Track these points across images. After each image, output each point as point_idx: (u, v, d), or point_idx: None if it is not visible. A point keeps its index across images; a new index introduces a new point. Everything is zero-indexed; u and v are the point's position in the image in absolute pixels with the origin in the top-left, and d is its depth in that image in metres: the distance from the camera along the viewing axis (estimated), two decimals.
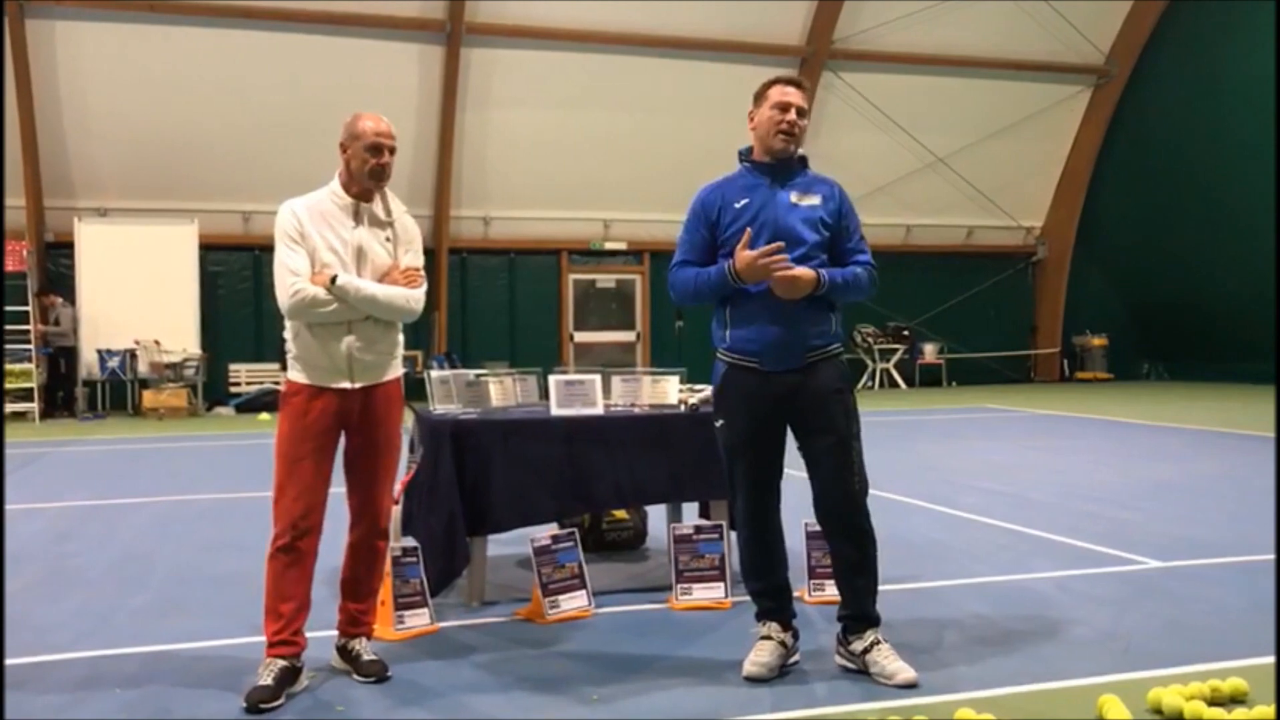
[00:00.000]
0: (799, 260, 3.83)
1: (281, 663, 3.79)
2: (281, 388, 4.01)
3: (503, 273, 19.44)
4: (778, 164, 3.98)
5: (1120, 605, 4.82)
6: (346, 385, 3.91)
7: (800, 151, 4.03)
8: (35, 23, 15.69)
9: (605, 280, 20.12)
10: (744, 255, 3.79)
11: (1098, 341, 21.65)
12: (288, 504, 3.85)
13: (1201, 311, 19.78)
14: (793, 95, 3.94)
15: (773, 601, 4.02)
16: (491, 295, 19.37)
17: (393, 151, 3.94)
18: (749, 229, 3.84)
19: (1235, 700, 3.55)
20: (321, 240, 3.88)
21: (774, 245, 3.78)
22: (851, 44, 19.01)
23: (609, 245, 19.68)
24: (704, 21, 18.19)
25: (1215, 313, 19.49)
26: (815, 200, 3.95)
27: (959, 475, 8.76)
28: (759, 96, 4.02)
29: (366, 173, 3.90)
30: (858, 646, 3.91)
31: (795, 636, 4.02)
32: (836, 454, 3.90)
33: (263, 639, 3.87)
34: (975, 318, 21.44)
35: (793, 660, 3.99)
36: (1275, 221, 16.86)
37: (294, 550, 3.85)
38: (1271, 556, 5.72)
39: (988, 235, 21.49)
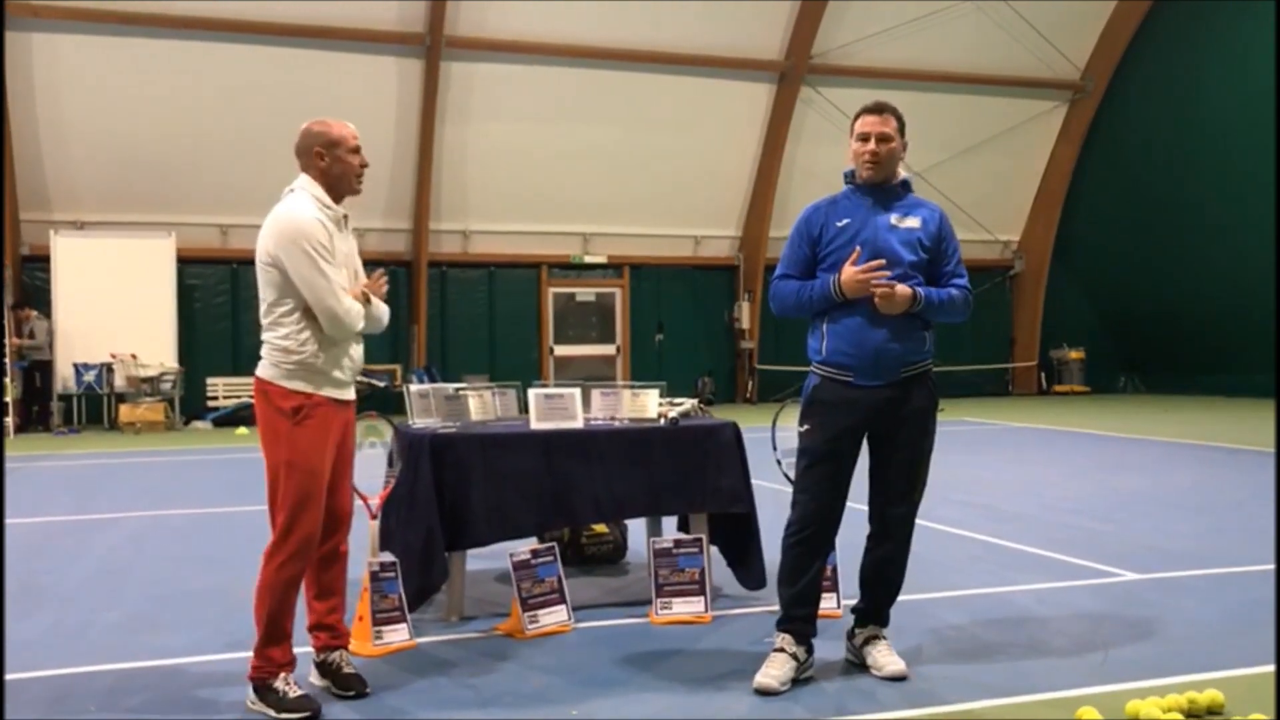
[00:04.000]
0: (896, 279, 3.97)
1: (292, 677, 3.80)
2: (291, 400, 3.76)
3: (482, 286, 19.40)
4: (880, 187, 4.12)
5: (1097, 617, 4.84)
6: (349, 397, 3.95)
7: (904, 175, 4.19)
8: (12, 35, 15.57)
9: (585, 294, 20.12)
10: (848, 270, 3.95)
11: (1075, 354, 21.79)
12: (311, 519, 3.76)
13: (1177, 325, 19.96)
14: (871, 124, 4.08)
15: (801, 610, 4.08)
16: (471, 309, 19.33)
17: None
18: (859, 247, 3.98)
19: (1212, 712, 3.57)
20: (337, 253, 3.86)
21: (876, 262, 3.94)
22: (830, 59, 19.13)
23: (589, 259, 19.70)
24: (684, 36, 18.26)
25: (1191, 326, 19.67)
26: (915, 223, 4.10)
27: (937, 488, 8.72)
28: (851, 127, 4.19)
29: (356, 175, 3.90)
30: (859, 639, 4.17)
31: (810, 651, 4.08)
32: (909, 472, 4.10)
33: (237, 655, 3.84)
34: (953, 331, 21.48)
35: (805, 675, 4.03)
36: (1275, 224, 16.94)
37: (306, 570, 3.84)
38: (1249, 568, 5.77)
39: (965, 249, 20.99)
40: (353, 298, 3.84)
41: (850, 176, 4.20)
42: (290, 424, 3.75)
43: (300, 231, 3.72)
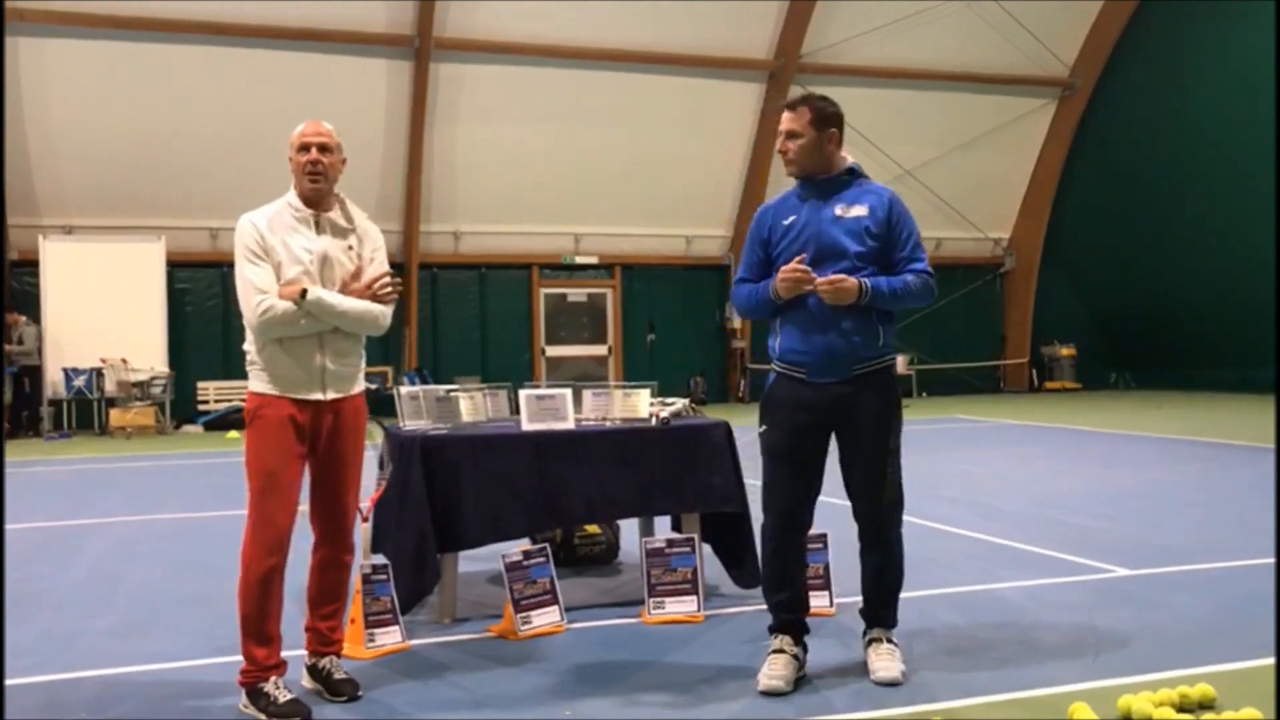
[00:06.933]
0: (845, 271, 3.90)
1: (282, 681, 3.78)
2: (250, 401, 3.87)
3: (473, 287, 19.40)
4: (824, 180, 4.05)
5: (1089, 613, 4.85)
6: (319, 396, 3.86)
7: (851, 161, 4.09)
8: None
9: (576, 294, 20.12)
10: (779, 271, 3.93)
11: (1066, 351, 21.84)
12: (272, 519, 3.77)
13: (1167, 321, 20.01)
14: (782, 121, 4.06)
15: (791, 614, 4.07)
16: (462, 310, 19.32)
17: (324, 149, 3.88)
18: (804, 253, 3.93)
19: (1203, 706, 3.58)
20: (286, 252, 3.83)
21: (794, 262, 3.90)
22: (819, 58, 19.15)
23: (580, 259, 19.69)
24: (673, 36, 18.28)
25: (1181, 322, 19.72)
26: (861, 211, 4.01)
27: (929, 486, 8.79)
28: None
29: (303, 172, 3.88)
30: (866, 638, 4.15)
31: (805, 649, 4.07)
32: (873, 469, 4.01)
33: (228, 660, 3.83)
34: (945, 329, 21.57)
35: (800, 673, 4.01)
36: (1275, 224, 16.99)
37: (280, 568, 3.80)
38: (1241, 563, 5.78)
39: (956, 247, 21.65)
40: (281, 296, 3.76)
41: None
42: (248, 424, 3.87)
43: (236, 235, 3.88)
